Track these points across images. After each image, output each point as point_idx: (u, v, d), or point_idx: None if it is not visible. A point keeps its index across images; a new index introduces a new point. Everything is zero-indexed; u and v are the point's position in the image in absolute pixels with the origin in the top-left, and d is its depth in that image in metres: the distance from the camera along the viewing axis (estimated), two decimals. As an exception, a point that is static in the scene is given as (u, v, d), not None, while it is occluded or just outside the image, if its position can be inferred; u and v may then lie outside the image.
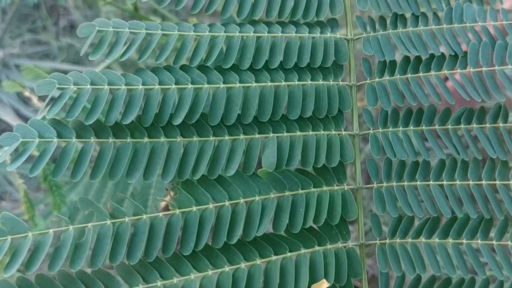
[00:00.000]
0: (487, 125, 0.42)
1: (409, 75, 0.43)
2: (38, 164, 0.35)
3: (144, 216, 0.37)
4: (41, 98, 0.92)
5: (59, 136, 0.37)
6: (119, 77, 0.39)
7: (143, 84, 0.39)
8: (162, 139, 0.39)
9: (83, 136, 0.37)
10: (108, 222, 0.36)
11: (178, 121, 0.39)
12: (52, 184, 0.82)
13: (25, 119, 1.71)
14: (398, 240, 0.41)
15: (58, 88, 0.37)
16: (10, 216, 0.35)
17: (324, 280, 0.38)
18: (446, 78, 0.43)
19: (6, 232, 0.34)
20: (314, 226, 0.40)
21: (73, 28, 2.27)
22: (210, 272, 0.37)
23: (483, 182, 0.41)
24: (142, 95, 0.39)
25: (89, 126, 0.37)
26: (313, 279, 0.39)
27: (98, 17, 2.40)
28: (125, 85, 0.38)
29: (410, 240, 0.41)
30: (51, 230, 0.35)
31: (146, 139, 0.38)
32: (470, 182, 0.41)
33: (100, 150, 0.38)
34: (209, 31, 0.42)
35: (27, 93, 0.91)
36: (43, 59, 2.24)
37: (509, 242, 0.40)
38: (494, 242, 0.40)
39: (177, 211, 0.38)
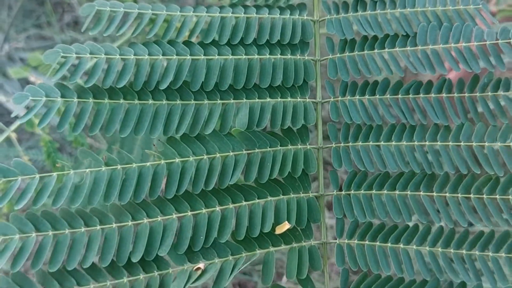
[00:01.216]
0: (432, 95, 0.49)
1: (365, 52, 0.50)
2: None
3: (134, 165, 0.44)
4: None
5: (63, 96, 0.43)
6: (114, 48, 0.46)
7: (134, 55, 0.46)
8: (150, 101, 0.45)
9: (83, 97, 0.44)
10: (103, 168, 0.43)
11: (164, 86, 0.46)
12: (55, 161, 0.89)
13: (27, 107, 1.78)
14: (352, 192, 0.48)
15: (62, 57, 0.44)
16: (20, 161, 0.41)
17: (286, 222, 0.45)
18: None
19: (17, 173, 0.41)
20: (280, 179, 0.47)
21: (77, 24, 2.34)
22: (189, 213, 0.44)
23: (426, 143, 0.48)
24: (134, 64, 0.45)
25: (88, 89, 0.44)
26: (277, 222, 0.46)
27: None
28: (119, 55, 0.45)
29: (362, 192, 0.47)
30: (54, 173, 0.42)
31: (136, 101, 0.45)
32: (415, 143, 0.48)
33: (97, 109, 0.44)
34: (193, 12, 0.49)
35: (32, 78, 0.98)
36: (47, 53, 2.29)
37: (447, 194, 0.47)
38: (434, 193, 0.47)
39: (162, 161, 0.44)
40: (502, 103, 0.48)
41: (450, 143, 0.47)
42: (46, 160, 0.88)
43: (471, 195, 0.46)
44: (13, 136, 0.89)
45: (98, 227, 0.42)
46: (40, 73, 0.99)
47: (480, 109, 0.49)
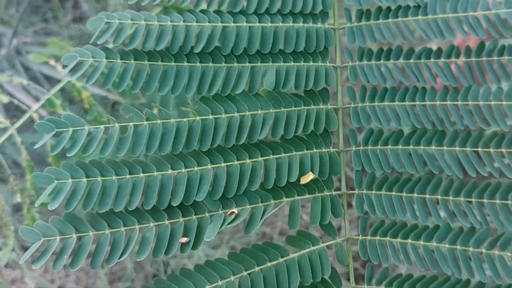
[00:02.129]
0: (442, 60, 0.54)
1: (380, 21, 0.55)
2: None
3: (172, 120, 0.48)
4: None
5: (107, 57, 0.47)
6: (153, 16, 0.50)
7: (171, 21, 0.50)
8: (185, 63, 0.50)
9: (125, 58, 0.48)
10: (145, 122, 0.47)
11: (197, 50, 0.50)
12: (55, 159, 0.92)
13: (37, 98, 1.82)
14: (369, 147, 0.52)
15: (106, 23, 0.48)
16: (71, 115, 0.45)
17: (310, 173, 0.49)
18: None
19: (68, 125, 0.45)
20: (304, 136, 0.51)
21: (82, 19, 2.38)
22: (222, 164, 0.48)
23: (437, 102, 0.52)
24: (170, 30, 0.50)
25: (130, 52, 0.49)
26: (302, 173, 0.50)
27: (106, 9, 2.57)
28: (157, 21, 0.50)
29: (379, 147, 0.52)
30: (102, 126, 0.46)
31: (173, 63, 0.49)
32: (427, 102, 0.52)
33: (138, 70, 0.49)
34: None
35: (52, 62, 1.02)
36: (54, 48, 2.33)
37: (456, 148, 0.51)
38: (445, 148, 0.51)
39: (197, 117, 0.48)
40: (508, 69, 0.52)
41: (459, 102, 0.52)
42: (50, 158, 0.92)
43: (479, 149, 0.50)
44: (35, 116, 0.94)
45: (141, 175, 0.46)
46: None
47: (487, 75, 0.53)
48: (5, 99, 1.01)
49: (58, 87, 0.96)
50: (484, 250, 0.48)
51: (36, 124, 0.45)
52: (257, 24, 0.52)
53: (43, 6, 2.45)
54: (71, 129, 0.45)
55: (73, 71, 0.47)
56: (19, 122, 0.96)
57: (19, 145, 0.93)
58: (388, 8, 0.55)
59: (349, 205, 0.52)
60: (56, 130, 0.44)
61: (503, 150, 0.50)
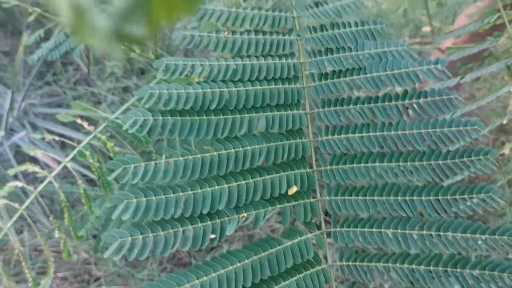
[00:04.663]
0: (378, 104, 0.78)
1: (335, 80, 0.79)
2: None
3: (199, 155, 0.70)
4: (91, 124, 1.25)
5: (153, 116, 0.70)
6: (181, 86, 0.74)
7: (193, 89, 0.74)
8: (205, 117, 0.73)
9: (164, 116, 0.71)
10: (180, 158, 0.69)
11: (212, 107, 0.73)
12: (104, 182, 1.14)
13: (57, 161, 2.05)
14: (333, 166, 0.75)
15: (151, 93, 0.72)
16: (132, 156, 0.68)
17: (295, 186, 0.72)
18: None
19: (131, 162, 0.67)
20: (287, 161, 0.74)
21: (84, 80, 2.63)
22: (234, 184, 0.70)
23: (384, 133, 0.76)
24: (194, 95, 0.73)
25: (167, 111, 0.72)
26: (288, 187, 0.72)
27: (104, 71, 2.81)
28: (184, 90, 0.73)
29: (340, 166, 0.75)
30: (152, 162, 0.68)
31: (196, 117, 0.72)
32: (377, 133, 0.76)
33: (172, 123, 0.72)
34: (230, 61, 0.78)
35: (79, 121, 1.24)
36: (57, 108, 2.57)
37: (400, 163, 0.74)
38: (392, 163, 0.74)
39: (215, 152, 0.71)
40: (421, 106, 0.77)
41: (392, 132, 0.76)
42: (97, 181, 1.14)
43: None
44: (69, 165, 1.15)
45: (181, 194, 0.68)
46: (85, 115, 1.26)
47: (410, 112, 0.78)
48: (40, 153, 1.23)
49: (86, 140, 1.18)
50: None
51: (109, 163, 0.67)
52: (251, 88, 0.76)
53: (45, 71, 2.70)
54: (132, 165, 0.67)
55: (131, 124, 0.70)
56: (55, 171, 1.17)
57: (57, 190, 1.14)
58: (340, 71, 0.80)
59: (324, 209, 0.75)
60: (123, 166, 0.67)
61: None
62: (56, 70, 2.68)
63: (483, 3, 1.62)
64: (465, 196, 0.71)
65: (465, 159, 0.73)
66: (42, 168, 1.33)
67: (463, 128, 0.74)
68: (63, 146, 2.42)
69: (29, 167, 1.17)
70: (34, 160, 2.39)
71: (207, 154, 0.71)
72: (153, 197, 0.66)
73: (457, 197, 0.71)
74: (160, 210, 0.66)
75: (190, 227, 0.67)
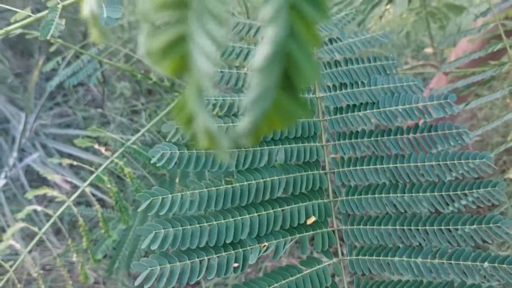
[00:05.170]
0: (391, 136, 0.82)
1: (349, 114, 0.84)
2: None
3: (222, 186, 0.74)
4: (100, 143, 1.29)
5: (178, 149, 0.74)
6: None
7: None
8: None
9: (189, 149, 0.75)
10: (205, 189, 0.73)
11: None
12: (121, 207, 1.18)
13: (72, 184, 2.09)
14: (349, 197, 0.79)
15: (176, 128, 0.76)
16: (160, 188, 0.71)
17: (313, 216, 0.76)
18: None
19: (158, 194, 0.71)
20: (306, 192, 0.78)
21: (93, 101, 2.68)
22: (255, 214, 0.74)
23: (390, 165, 0.80)
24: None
25: (185, 144, 0.76)
26: (307, 217, 0.76)
27: (114, 92, 2.87)
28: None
29: (356, 196, 0.78)
30: (178, 194, 0.72)
31: (219, 150, 0.76)
32: (385, 165, 0.80)
33: (196, 156, 0.75)
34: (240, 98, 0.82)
35: (96, 146, 1.28)
36: (67, 128, 2.62)
37: (405, 194, 0.78)
38: (398, 194, 0.78)
39: (237, 184, 0.75)
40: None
41: (404, 164, 0.80)
42: (115, 206, 1.17)
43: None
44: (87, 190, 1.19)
45: (206, 224, 0.71)
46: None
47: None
48: (58, 178, 1.27)
49: (104, 165, 1.22)
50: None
51: (138, 195, 0.70)
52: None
53: (56, 92, 2.75)
54: (160, 197, 0.71)
55: (159, 158, 0.74)
56: (74, 196, 1.21)
57: (76, 214, 1.17)
58: (354, 105, 0.85)
59: (340, 237, 0.78)
60: (152, 198, 0.70)
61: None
62: (66, 91, 2.73)
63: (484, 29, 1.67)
64: (475, 227, 0.74)
65: (474, 190, 0.76)
66: (51, 187, 1.37)
67: (472, 160, 0.78)
68: (72, 165, 2.46)
69: (48, 191, 1.21)
70: (42, 180, 2.43)
71: (229, 186, 0.75)
72: (180, 228, 0.70)
73: (466, 227, 0.74)
74: (186, 240, 0.69)
75: (214, 256, 0.70)
